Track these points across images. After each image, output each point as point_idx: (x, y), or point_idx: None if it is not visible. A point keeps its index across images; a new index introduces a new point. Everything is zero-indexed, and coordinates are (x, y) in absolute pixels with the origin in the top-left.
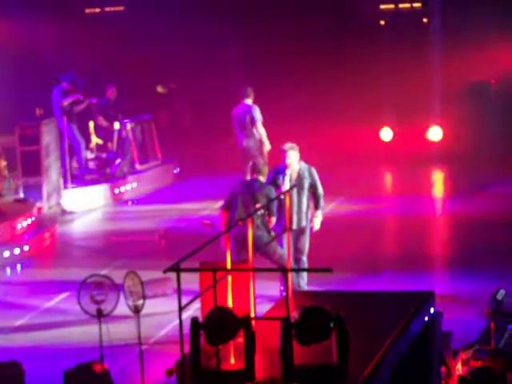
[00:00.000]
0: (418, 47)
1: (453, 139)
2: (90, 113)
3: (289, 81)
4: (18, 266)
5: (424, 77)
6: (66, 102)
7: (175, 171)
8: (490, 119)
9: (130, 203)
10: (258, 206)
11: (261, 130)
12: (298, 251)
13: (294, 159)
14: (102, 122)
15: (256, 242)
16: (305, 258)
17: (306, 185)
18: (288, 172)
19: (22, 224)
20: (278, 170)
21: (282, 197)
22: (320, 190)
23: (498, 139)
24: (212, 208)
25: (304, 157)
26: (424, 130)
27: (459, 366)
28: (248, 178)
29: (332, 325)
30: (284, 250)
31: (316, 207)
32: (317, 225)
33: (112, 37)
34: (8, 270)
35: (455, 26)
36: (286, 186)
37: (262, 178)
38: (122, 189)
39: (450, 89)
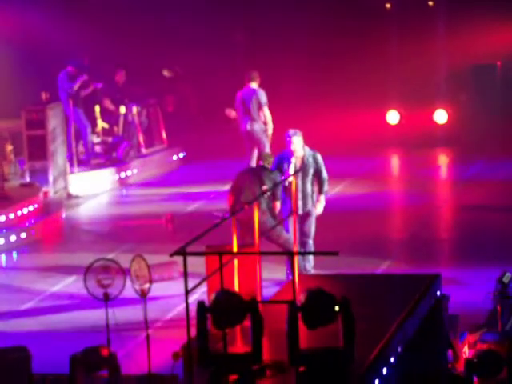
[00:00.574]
0: (423, 30)
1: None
2: (95, 97)
3: (294, 64)
4: (25, 251)
5: (430, 60)
6: (75, 86)
7: (181, 155)
8: (495, 101)
9: (135, 187)
10: (264, 188)
11: (267, 114)
12: (304, 235)
13: (298, 145)
14: (109, 105)
15: (261, 227)
16: (311, 242)
17: (311, 171)
18: (293, 160)
19: (29, 208)
20: (283, 156)
21: (287, 183)
22: (325, 174)
23: (504, 121)
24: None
25: (310, 141)
26: (431, 113)
27: (466, 348)
28: (254, 164)
29: (337, 309)
30: (290, 234)
31: (320, 191)
32: (319, 209)
33: (118, 21)
34: (15, 255)
35: (461, 9)
36: (292, 171)
37: (268, 166)
38: (128, 173)
39: (455, 71)
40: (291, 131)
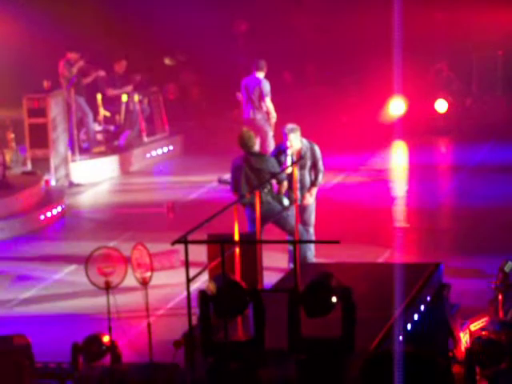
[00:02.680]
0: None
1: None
2: (97, 85)
3: (297, 54)
4: (26, 239)
5: (431, 48)
6: (74, 70)
7: (182, 143)
8: (497, 90)
9: (137, 175)
10: (274, 184)
11: (269, 105)
12: (304, 224)
13: (294, 141)
14: (112, 91)
15: (268, 214)
16: (312, 230)
17: (308, 163)
18: (289, 152)
19: (30, 196)
20: (281, 149)
21: (283, 176)
22: (321, 166)
23: (506, 110)
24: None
25: (312, 133)
26: (433, 102)
27: (467, 337)
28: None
29: (334, 300)
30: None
31: (313, 183)
32: (309, 200)
33: (120, 10)
34: (16, 243)
35: None
36: (289, 168)
37: (256, 148)
38: (130, 161)
39: (457, 60)
40: (288, 127)
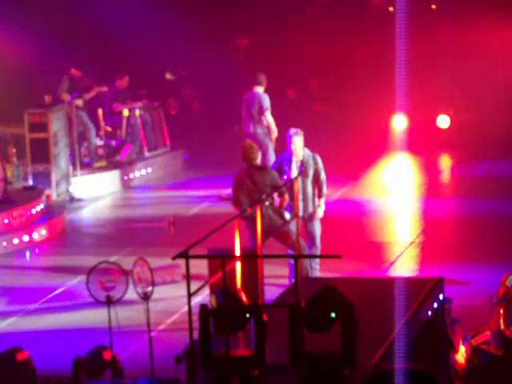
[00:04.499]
0: (427, 33)
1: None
2: (99, 100)
3: (298, 69)
4: (28, 253)
5: (433, 64)
6: (65, 96)
7: (184, 158)
8: (498, 105)
9: (138, 190)
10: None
11: (269, 119)
12: (310, 237)
13: (298, 145)
14: (119, 106)
15: (269, 228)
16: (318, 243)
17: (311, 172)
18: (294, 159)
19: (31, 211)
20: (283, 157)
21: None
22: (323, 176)
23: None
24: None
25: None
26: (435, 118)
27: (468, 352)
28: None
29: (334, 315)
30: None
31: (319, 195)
32: (320, 214)
33: (122, 23)
34: (17, 257)
35: (463, 12)
36: (294, 173)
37: (258, 161)
38: (131, 175)
39: (458, 75)
40: (292, 130)
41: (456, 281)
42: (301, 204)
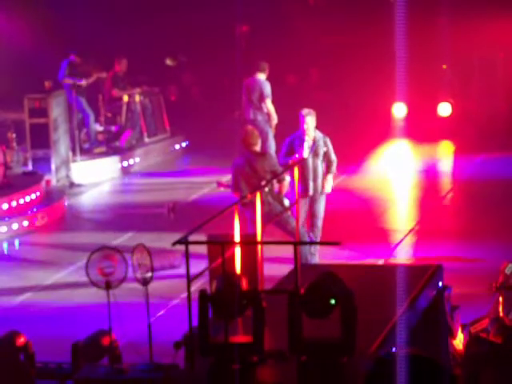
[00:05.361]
0: (427, 22)
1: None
2: (99, 86)
3: (298, 56)
4: (27, 239)
5: (433, 52)
6: (67, 80)
7: (183, 144)
8: (498, 93)
9: (138, 176)
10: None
11: (269, 106)
12: (313, 216)
13: (311, 124)
14: (118, 92)
15: (269, 215)
16: (320, 223)
17: (321, 152)
18: (306, 138)
19: (31, 197)
20: (295, 136)
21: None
22: (333, 156)
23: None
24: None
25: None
26: (436, 106)
27: (467, 339)
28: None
29: (333, 302)
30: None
31: (328, 171)
32: (328, 188)
33: (122, 10)
34: (17, 243)
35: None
36: (305, 152)
37: (258, 147)
38: (131, 161)
39: (458, 63)
40: (305, 110)
41: (456, 268)
42: (311, 184)
